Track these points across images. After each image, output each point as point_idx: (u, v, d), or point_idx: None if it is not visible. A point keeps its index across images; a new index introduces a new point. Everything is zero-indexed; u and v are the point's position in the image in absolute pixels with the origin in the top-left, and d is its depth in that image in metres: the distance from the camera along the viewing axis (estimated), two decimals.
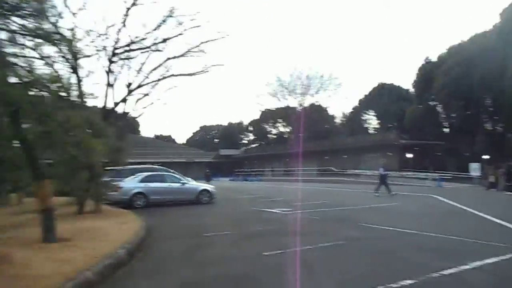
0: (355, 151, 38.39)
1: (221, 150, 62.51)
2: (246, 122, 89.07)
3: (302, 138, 59.19)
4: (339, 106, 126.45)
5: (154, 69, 16.15)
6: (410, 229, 8.85)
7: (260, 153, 54.30)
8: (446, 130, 48.74)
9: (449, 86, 40.55)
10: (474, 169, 27.65)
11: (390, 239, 7.94)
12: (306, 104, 65.75)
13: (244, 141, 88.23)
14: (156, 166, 19.89)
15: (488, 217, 10.62)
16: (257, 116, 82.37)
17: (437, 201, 15.94)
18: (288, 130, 72.69)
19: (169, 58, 16.47)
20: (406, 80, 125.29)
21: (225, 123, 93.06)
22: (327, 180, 33.91)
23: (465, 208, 12.89)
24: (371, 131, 61.80)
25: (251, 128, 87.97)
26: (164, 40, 15.64)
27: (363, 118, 63.38)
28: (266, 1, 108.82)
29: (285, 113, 66.17)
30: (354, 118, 63.04)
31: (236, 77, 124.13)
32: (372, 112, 61.09)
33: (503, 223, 9.53)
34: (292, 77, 64.23)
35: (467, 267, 5.54)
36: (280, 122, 76.62)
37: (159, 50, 16.18)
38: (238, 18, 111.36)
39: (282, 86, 63.60)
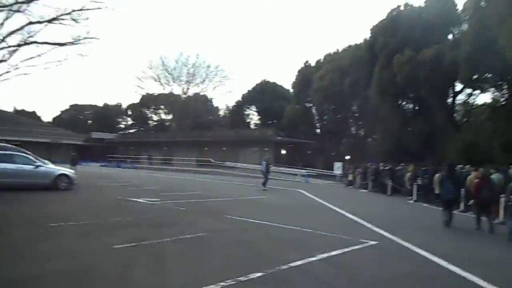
0: (234, 145, 39.14)
1: (93, 133, 57.61)
2: (124, 105, 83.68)
3: (184, 128, 58.35)
4: (224, 99, 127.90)
5: (13, 32, 13.88)
6: (272, 221, 9.06)
7: (137, 139, 51.73)
8: (318, 130, 53.14)
9: (323, 90, 44.05)
10: (338, 167, 30.53)
11: (251, 231, 7.98)
12: (191, 93, 64.88)
13: (121, 125, 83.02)
14: (7, 145, 17.11)
15: (342, 211, 11.56)
16: (137, 100, 78.21)
17: (302, 195, 16.94)
18: (170, 117, 70.84)
19: (32, 23, 14.35)
20: (287, 81, 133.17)
21: (101, 104, 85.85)
22: (205, 171, 33.82)
23: (324, 203, 13.90)
24: (252, 126, 63.85)
25: (130, 112, 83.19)
26: (29, 1, 13.51)
27: (245, 112, 65.06)
28: None
29: (167, 100, 64.13)
30: (237, 112, 64.30)
31: (116, 56, 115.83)
32: (254, 108, 63.02)
33: (353, 217, 10.44)
34: (178, 64, 62.76)
35: (314, 259, 5.77)
36: (162, 109, 74.25)
37: (19, 11, 13.95)
38: None
39: (166, 71, 61.64)
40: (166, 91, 64.87)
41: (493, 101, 26.67)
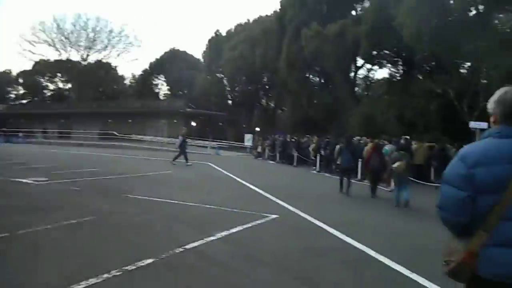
0: (141, 116, 37.17)
1: None
2: (15, 72, 74.36)
3: (85, 98, 53.68)
4: (130, 67, 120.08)
5: None
6: (174, 199, 8.60)
7: (30, 110, 46.37)
8: (230, 102, 52.98)
9: (234, 61, 43.64)
10: (248, 139, 30.80)
11: (149, 211, 7.44)
12: (91, 60, 59.73)
13: (11, 95, 73.84)
14: None
15: (248, 184, 11.52)
16: (29, 66, 69.91)
17: (210, 169, 16.64)
18: (68, 86, 64.64)
19: None
20: (198, 50, 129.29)
21: None
22: (109, 145, 31.71)
23: (232, 176, 13.78)
24: (161, 97, 61.34)
25: (21, 80, 74.25)
26: None
27: (154, 82, 62.19)
28: None
29: (65, 67, 58.32)
30: (144, 81, 61.12)
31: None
32: (162, 78, 60.42)
33: (258, 190, 10.43)
34: (76, 27, 57.16)
35: (212, 238, 5.49)
36: (59, 77, 67.40)
37: None
38: None
39: (62, 36, 55.80)
40: (63, 58, 58.82)
41: (389, 77, 28.73)
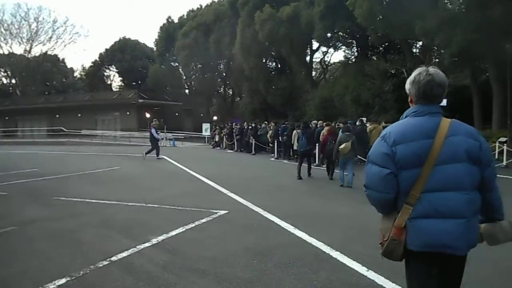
0: (91, 110, 35.07)
1: None
2: None
3: (32, 93, 50.31)
4: (80, 59, 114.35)
5: None
6: (114, 199, 7.76)
7: None
8: (187, 91, 51.49)
9: (188, 48, 42.19)
10: (206, 129, 29.81)
11: (81, 215, 6.55)
12: (35, 52, 56.11)
13: None
14: None
15: (201, 177, 10.80)
16: None
17: (163, 162, 15.69)
18: (13, 82, 60.40)
19: None
20: (150, 38, 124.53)
21: None
22: (57, 142, 29.74)
23: (185, 169, 12.98)
24: (114, 88, 58.73)
25: None
26: None
27: (105, 74, 59.43)
28: None
29: (8, 61, 54.43)
30: (95, 73, 58.25)
31: None
32: (114, 68, 57.75)
33: (211, 183, 9.73)
34: (16, 18, 53.38)
35: (147, 244, 4.79)
36: (2, 72, 62.90)
37: None
38: None
39: (1, 27, 51.98)
40: (4, 51, 54.74)
41: (345, 59, 28.68)
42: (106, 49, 57.87)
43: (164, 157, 17.24)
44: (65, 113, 36.42)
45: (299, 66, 31.54)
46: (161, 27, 48.74)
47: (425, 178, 1.76)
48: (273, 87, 32.59)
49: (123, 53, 56.15)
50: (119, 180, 10.72)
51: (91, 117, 35.55)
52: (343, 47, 27.77)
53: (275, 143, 16.58)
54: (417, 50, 22.22)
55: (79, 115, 35.41)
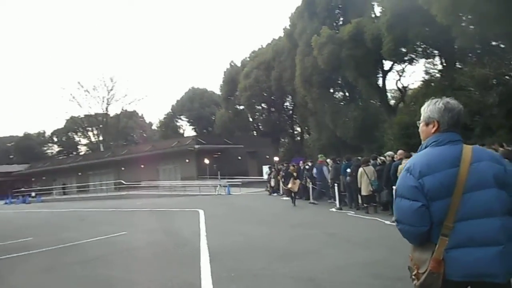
0: (153, 160, 33.78)
1: None
2: (49, 132, 75.85)
3: (112, 148, 52.24)
4: (156, 113, 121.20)
5: None
6: None
7: (48, 167, 44.78)
8: (255, 133, 49.13)
9: (250, 89, 40.18)
10: (266, 172, 26.24)
11: None
12: (114, 110, 59.64)
13: (48, 154, 74.56)
14: None
15: (206, 256, 7.04)
16: (61, 125, 70.97)
17: (188, 222, 11.96)
18: (99, 139, 64.05)
19: None
20: (217, 85, 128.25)
21: (21, 134, 76.76)
22: (116, 196, 28.49)
23: (202, 233, 9.31)
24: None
25: (55, 139, 75.41)
26: None
27: (177, 124, 60.12)
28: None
29: (94, 121, 58.39)
30: (168, 124, 59.27)
31: (31, 81, 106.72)
32: (184, 118, 58.25)
33: (209, 273, 5.91)
34: (98, 83, 58.03)
35: None
36: (91, 131, 67.27)
37: None
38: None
39: (87, 92, 56.31)
40: (92, 112, 59.07)
41: (426, 74, 23.61)
42: (177, 100, 59.09)
43: (201, 211, 13.92)
44: (129, 165, 35.69)
45: (370, 91, 27.11)
46: (224, 72, 47.99)
47: (456, 207, 1.75)
48: (342, 118, 28.35)
49: (192, 102, 56.60)
50: (83, 263, 7.37)
51: (153, 167, 34.24)
52: (422, 59, 22.78)
53: (335, 186, 12.25)
54: None
55: (142, 166, 34.30)
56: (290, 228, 9.25)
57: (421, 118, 1.98)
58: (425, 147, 1.92)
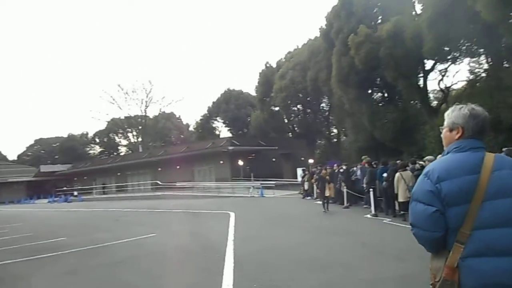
0: (188, 161, 34.14)
1: (42, 166, 52.49)
2: (91, 133, 79.03)
3: (150, 149, 53.67)
4: (193, 114, 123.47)
5: None
6: None
7: (89, 167, 46.45)
8: (290, 134, 48.61)
9: (286, 90, 39.78)
10: (300, 174, 25.76)
11: None
12: (152, 112, 61.25)
13: (90, 155, 77.67)
14: None
15: (230, 263, 6.81)
16: (103, 126, 73.70)
17: (217, 225, 11.78)
18: (139, 140, 65.99)
19: None
20: (253, 86, 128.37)
21: (66, 135, 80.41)
22: (152, 196, 29.06)
23: (230, 235, 9.13)
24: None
25: (97, 140, 78.44)
26: None
27: (213, 125, 60.63)
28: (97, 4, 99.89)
29: (134, 122, 60.19)
30: (204, 125, 59.89)
31: (75, 84, 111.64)
32: (220, 119, 58.67)
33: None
34: (136, 85, 59.86)
35: None
36: (130, 132, 69.42)
37: None
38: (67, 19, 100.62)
39: (126, 94, 58.20)
40: (132, 114, 61.15)
41: (471, 73, 22.28)
42: (213, 102, 59.57)
43: (231, 213, 13.77)
44: (166, 166, 36.29)
45: (410, 91, 25.94)
46: (259, 73, 47.70)
47: (474, 215, 1.70)
48: (380, 120, 27.34)
49: (227, 103, 56.88)
50: (106, 266, 7.36)
51: (188, 168, 34.64)
52: (466, 58, 21.49)
53: (371, 192, 11.67)
54: None
55: (178, 167, 34.77)
56: (320, 235, 8.86)
57: (445, 123, 1.95)
58: (447, 153, 1.90)
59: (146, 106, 59.13)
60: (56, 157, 78.19)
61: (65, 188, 42.66)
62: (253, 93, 52.85)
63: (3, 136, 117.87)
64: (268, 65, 47.42)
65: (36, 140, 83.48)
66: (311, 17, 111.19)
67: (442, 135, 1.97)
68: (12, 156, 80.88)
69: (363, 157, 15.44)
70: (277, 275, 5.60)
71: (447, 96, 27.26)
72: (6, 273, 7.08)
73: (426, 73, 25.43)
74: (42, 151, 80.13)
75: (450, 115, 1.94)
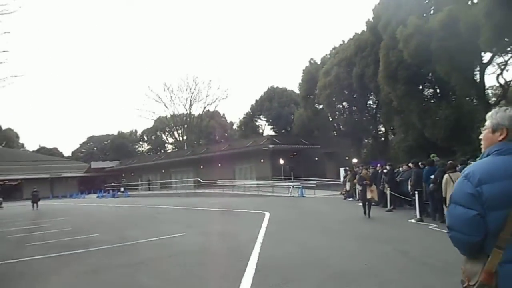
0: (230, 159, 34.06)
1: (93, 163, 54.85)
2: (140, 131, 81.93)
3: (195, 146, 54.60)
4: (237, 112, 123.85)
5: None
6: None
7: (136, 164, 47.92)
8: (335, 133, 47.21)
9: (330, 87, 38.53)
10: (343, 174, 24.73)
11: None
12: (196, 110, 62.21)
13: (139, 152, 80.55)
14: None
15: (251, 272, 6.30)
16: (150, 124, 76.13)
17: (248, 226, 11.22)
18: (184, 138, 67.39)
19: None
20: (296, 84, 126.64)
21: (116, 133, 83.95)
22: (193, 193, 29.23)
23: (260, 236, 8.65)
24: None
25: (145, 138, 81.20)
26: None
27: (256, 123, 60.39)
28: (145, 4, 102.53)
29: (180, 121, 61.55)
30: (247, 123, 59.73)
31: (123, 84, 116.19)
32: (263, 118, 58.27)
33: None
34: (181, 84, 61.14)
35: None
36: (176, 130, 71.12)
37: None
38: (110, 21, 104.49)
39: (172, 93, 59.66)
40: (178, 112, 62.87)
41: None
42: (256, 100, 59.31)
43: (266, 213, 13.30)
44: (208, 164, 36.47)
45: (465, 87, 24.03)
46: (303, 70, 46.67)
47: None
48: (431, 117, 25.63)
49: (271, 101, 56.35)
50: (127, 266, 7.08)
51: (230, 167, 34.54)
52: None
53: (416, 194, 10.64)
54: None
55: (219, 165, 34.81)
56: (355, 241, 8.08)
57: (486, 124, 1.91)
58: (487, 155, 1.82)
59: (190, 104, 60.13)
60: (107, 154, 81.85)
61: (113, 184, 44.27)
62: (297, 90, 51.84)
63: (60, 134, 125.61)
64: (312, 61, 46.34)
65: (88, 137, 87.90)
66: (357, 10, 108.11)
67: (482, 136, 1.92)
68: (67, 152, 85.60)
69: (431, 155, 13.72)
70: (299, 284, 5.01)
71: (507, 92, 25.00)
72: (30, 268, 7.05)
73: (483, 66, 23.38)
74: (94, 148, 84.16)
75: (494, 116, 1.90)
